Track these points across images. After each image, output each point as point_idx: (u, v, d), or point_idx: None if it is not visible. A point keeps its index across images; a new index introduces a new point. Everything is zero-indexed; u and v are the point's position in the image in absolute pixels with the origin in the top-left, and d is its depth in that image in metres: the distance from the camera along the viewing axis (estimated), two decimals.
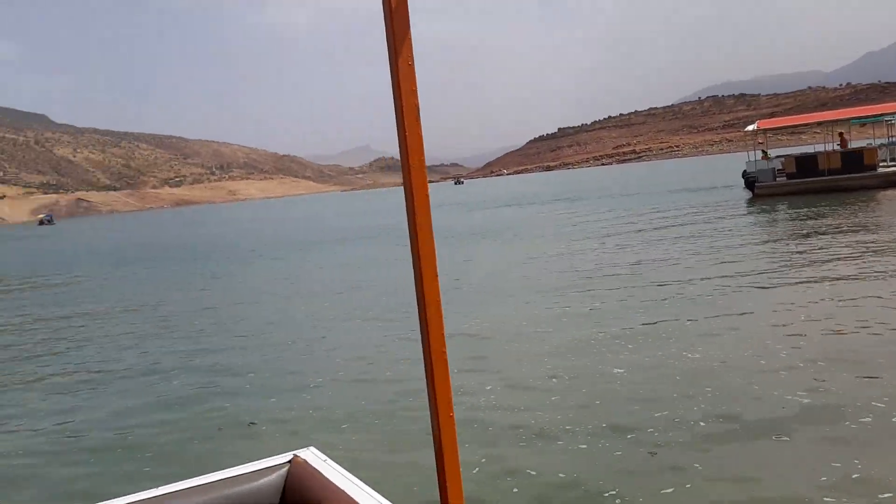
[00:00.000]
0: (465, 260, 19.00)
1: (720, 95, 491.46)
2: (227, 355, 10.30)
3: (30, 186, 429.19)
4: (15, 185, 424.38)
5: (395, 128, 1.42)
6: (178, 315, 14.46)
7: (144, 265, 28.26)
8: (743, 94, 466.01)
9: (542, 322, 10.19)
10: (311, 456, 2.13)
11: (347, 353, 9.66)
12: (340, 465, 2.05)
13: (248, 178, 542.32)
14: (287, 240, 35.67)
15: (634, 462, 5.21)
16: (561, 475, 5.12)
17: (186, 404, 7.99)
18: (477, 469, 5.36)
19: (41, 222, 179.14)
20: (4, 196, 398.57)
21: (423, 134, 1.40)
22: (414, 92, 1.40)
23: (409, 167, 1.40)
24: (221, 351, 10.65)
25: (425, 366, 1.46)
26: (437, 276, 1.43)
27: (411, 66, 1.40)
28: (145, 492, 1.96)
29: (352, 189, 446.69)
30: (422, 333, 1.44)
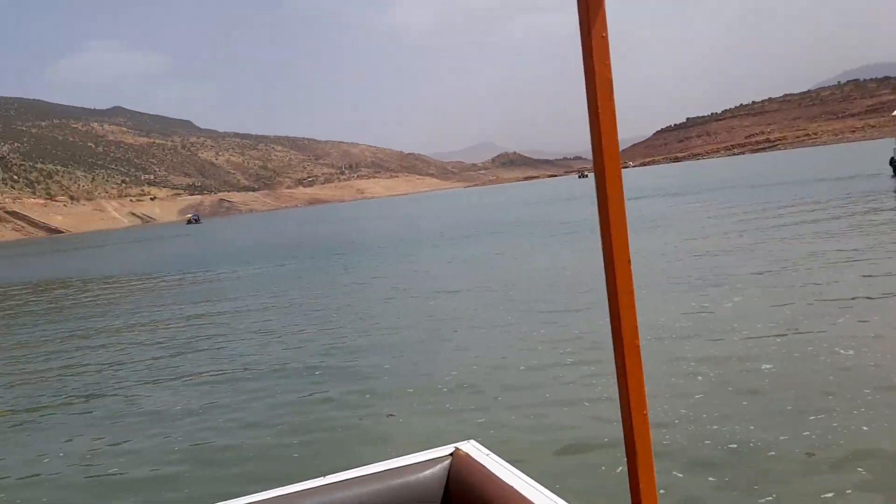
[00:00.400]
0: (594, 255, 18.74)
1: (862, 79, 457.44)
2: (365, 349, 10.69)
3: (177, 188, 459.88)
4: (164, 186, 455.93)
5: (586, 105, 1.33)
6: (316, 309, 15.12)
7: (282, 261, 29.66)
8: (888, 77, 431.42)
9: (699, 320, 9.94)
10: (473, 449, 2.14)
11: (485, 347, 9.80)
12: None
13: (374, 177, 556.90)
14: (415, 235, 36.40)
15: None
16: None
17: (327, 397, 8.34)
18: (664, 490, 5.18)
19: (189, 221, 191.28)
20: (155, 197, 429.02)
21: (615, 111, 1.33)
22: (608, 66, 1.33)
23: (602, 147, 1.33)
24: (359, 344, 11.07)
25: (616, 358, 1.38)
26: (629, 262, 1.36)
27: (605, 39, 1.32)
28: (313, 480, 2.04)
29: (474, 185, 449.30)
30: (612, 323, 1.38)
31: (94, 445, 7.53)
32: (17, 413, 9.34)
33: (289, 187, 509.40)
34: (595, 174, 1.37)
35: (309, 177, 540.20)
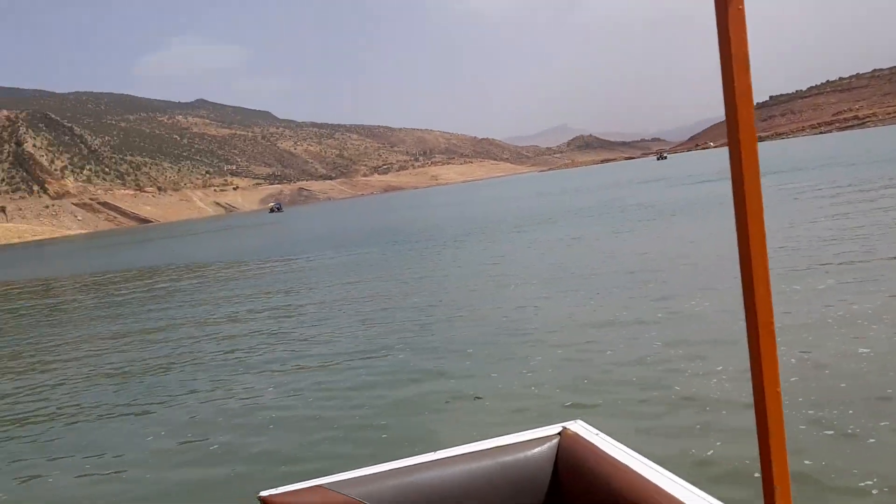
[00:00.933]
0: (682, 237, 18.39)
1: None
2: (447, 333, 10.83)
3: (258, 178, 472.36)
4: (246, 176, 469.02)
5: (721, 80, 1.31)
6: (397, 295, 15.37)
7: (362, 248, 30.19)
8: None
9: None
10: (581, 428, 2.16)
11: (569, 331, 9.79)
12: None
13: (448, 163, 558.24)
14: (491, 221, 36.42)
15: None
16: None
17: (412, 379, 8.51)
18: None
19: (271, 210, 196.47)
20: (237, 187, 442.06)
21: (751, 86, 1.30)
22: (745, 39, 1.29)
23: (738, 122, 1.30)
24: (442, 328, 11.22)
25: (749, 337, 1.35)
26: (765, 239, 1.33)
27: (741, 11, 1.29)
28: (425, 455, 2.09)
29: (549, 169, 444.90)
30: (745, 301, 1.35)
31: (195, 422, 7.92)
32: (129, 379, 9.89)
33: (364, 175, 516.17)
34: (730, 151, 1.34)
35: (384, 164, 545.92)
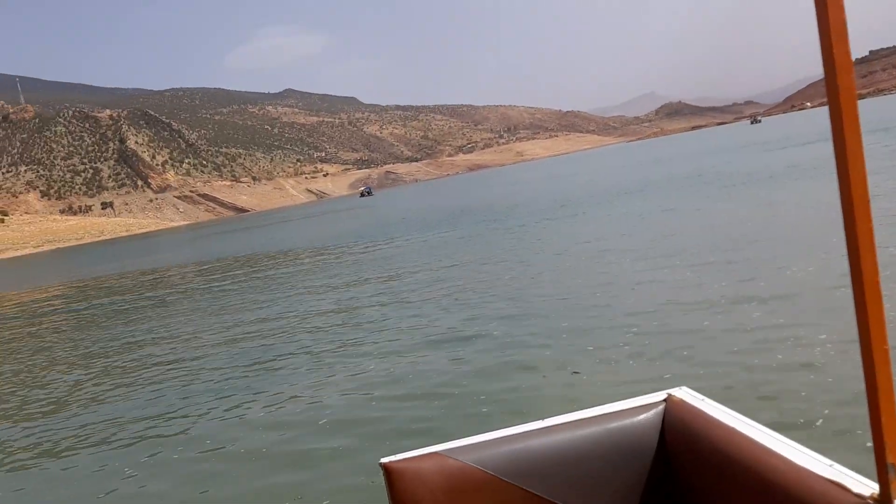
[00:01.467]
0: (782, 203, 17.83)
1: None
2: (541, 308, 10.99)
3: (346, 163, 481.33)
4: (335, 163, 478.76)
5: (820, 48, 1.31)
6: (489, 272, 15.59)
7: (452, 227, 30.54)
8: None
9: None
10: (686, 394, 2.18)
11: (664, 303, 9.77)
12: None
13: (533, 139, 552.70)
14: (579, 195, 36.07)
15: None
16: None
17: (508, 357, 8.71)
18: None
19: (362, 194, 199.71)
20: (327, 174, 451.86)
21: (850, 51, 1.30)
22: (841, 6, 1.30)
23: (838, 89, 1.31)
24: (535, 304, 11.38)
25: (855, 296, 1.36)
26: (868, 200, 1.33)
27: None
28: (532, 423, 2.16)
29: (637, 139, 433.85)
30: (850, 262, 1.36)
31: (297, 396, 8.41)
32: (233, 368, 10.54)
33: (449, 155, 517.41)
34: (831, 118, 1.34)
35: (468, 143, 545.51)
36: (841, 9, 1.30)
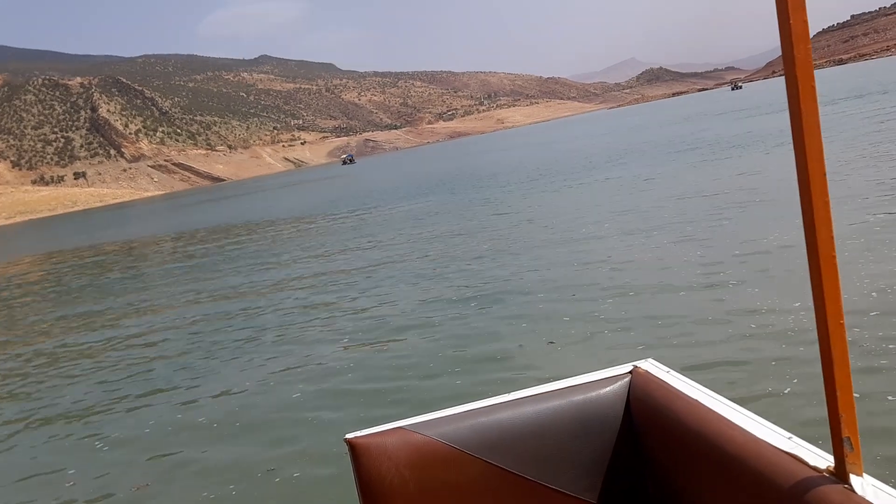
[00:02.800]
0: (759, 171, 17.85)
1: None
2: (518, 279, 10.93)
3: (324, 131, 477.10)
4: (312, 130, 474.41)
5: (776, 16, 1.32)
6: (466, 242, 15.51)
7: (430, 196, 30.39)
8: None
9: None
10: (652, 366, 2.20)
11: (639, 273, 9.76)
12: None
13: (514, 105, 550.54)
14: (558, 163, 36.01)
15: None
16: None
17: (484, 327, 8.68)
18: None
19: (344, 162, 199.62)
20: (305, 142, 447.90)
21: (807, 21, 1.30)
22: None
23: (794, 59, 1.30)
24: (512, 274, 11.32)
25: (811, 271, 1.37)
26: (825, 174, 1.33)
27: None
28: (500, 396, 2.17)
29: (618, 105, 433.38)
30: (806, 235, 1.36)
31: (279, 365, 8.31)
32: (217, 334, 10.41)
33: (429, 122, 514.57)
34: (787, 86, 1.34)
35: (448, 110, 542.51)
36: None
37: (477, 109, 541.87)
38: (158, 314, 14.02)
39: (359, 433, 2.05)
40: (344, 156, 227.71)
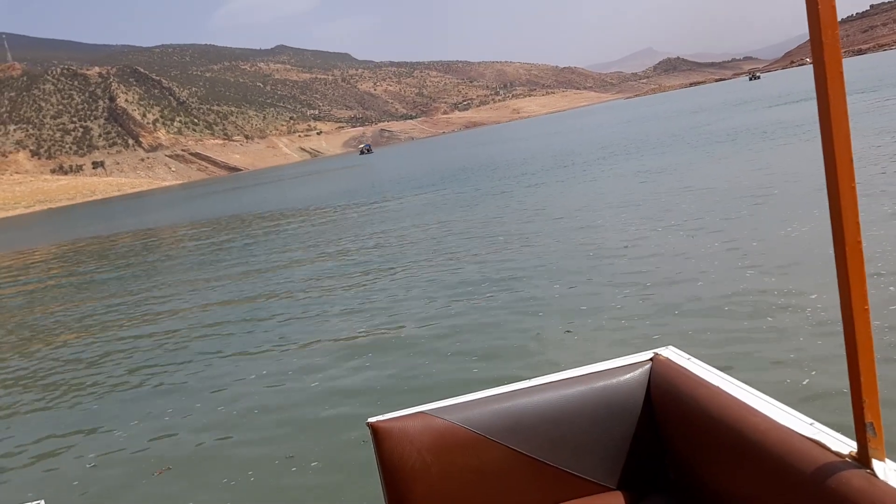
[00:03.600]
0: (779, 163, 17.69)
1: None
2: (535, 268, 10.91)
3: (340, 121, 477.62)
4: (328, 120, 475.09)
5: (804, 4, 1.31)
6: (483, 231, 15.49)
7: (448, 186, 30.36)
8: None
9: None
10: (673, 354, 2.20)
11: (657, 264, 9.70)
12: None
13: (530, 95, 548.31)
14: (575, 153, 35.86)
15: None
16: None
17: (499, 312, 8.69)
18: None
19: (362, 152, 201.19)
20: (321, 132, 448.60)
21: (836, 7, 1.30)
22: None
23: (823, 45, 1.29)
24: (529, 264, 11.30)
25: (836, 257, 1.37)
26: (852, 160, 1.32)
27: None
28: (521, 382, 2.19)
29: (635, 95, 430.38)
30: (832, 220, 1.35)
31: (296, 355, 8.37)
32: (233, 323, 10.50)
33: (445, 112, 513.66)
34: (815, 71, 1.33)
35: (464, 100, 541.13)
36: None
37: (493, 99, 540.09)
38: (181, 305, 14.13)
39: (381, 417, 2.06)
40: (362, 146, 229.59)
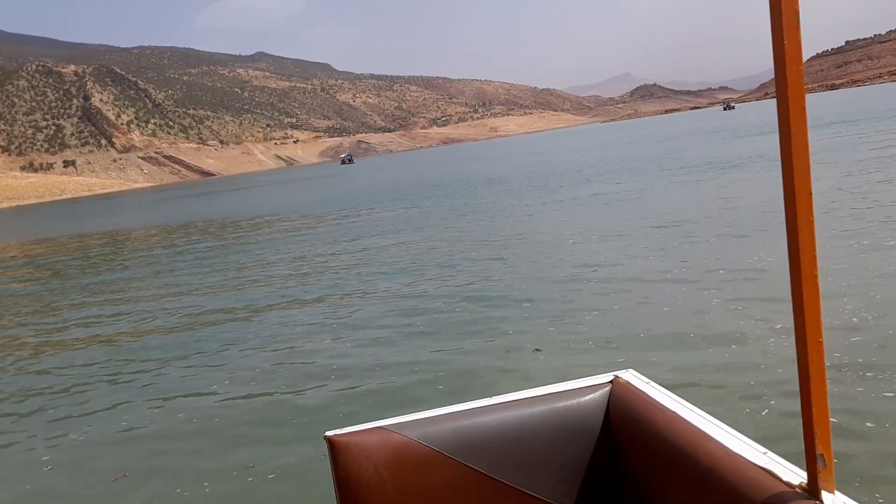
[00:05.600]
0: (746, 191, 17.96)
1: None
2: (506, 287, 10.92)
3: (318, 130, 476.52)
4: (305, 129, 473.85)
5: (770, 37, 1.33)
6: (456, 247, 15.49)
7: (425, 200, 30.37)
8: None
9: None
10: (632, 377, 2.20)
11: (626, 286, 9.77)
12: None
13: (508, 115, 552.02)
14: (551, 174, 36.10)
15: None
16: None
17: (473, 330, 8.64)
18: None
19: (343, 162, 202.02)
20: (297, 140, 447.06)
21: (801, 43, 1.31)
22: None
23: (787, 80, 1.32)
24: (500, 282, 11.31)
25: (792, 288, 1.40)
26: (811, 193, 1.35)
27: None
28: (481, 400, 2.17)
29: (611, 120, 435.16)
30: (790, 252, 1.38)
31: (256, 363, 8.26)
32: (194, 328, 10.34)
33: (423, 127, 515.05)
34: (778, 108, 1.36)
35: (443, 116, 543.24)
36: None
37: (471, 116, 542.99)
38: (139, 308, 13.92)
39: (339, 431, 2.04)
40: (343, 155, 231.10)
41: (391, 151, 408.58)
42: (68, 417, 7.58)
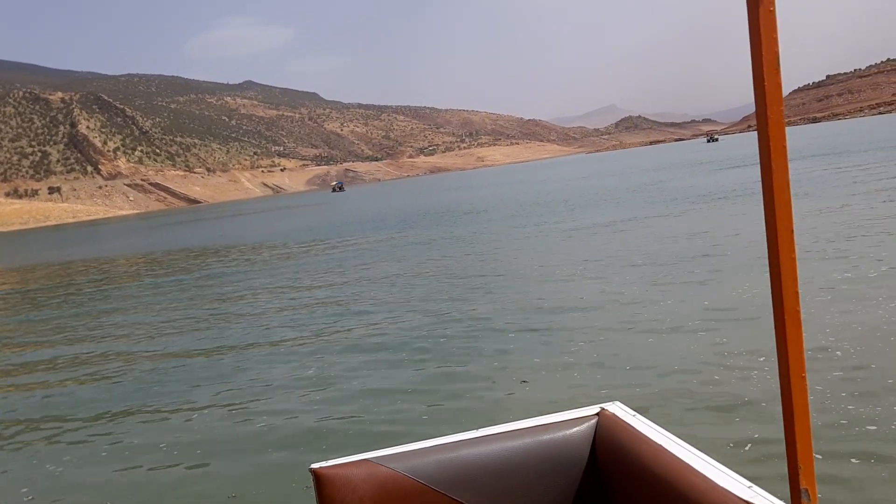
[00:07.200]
0: (731, 223, 18.13)
1: None
2: (491, 318, 10.92)
3: (305, 159, 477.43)
4: (293, 158, 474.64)
5: (752, 78, 1.37)
6: (442, 278, 15.51)
7: (412, 229, 30.43)
8: None
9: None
10: (619, 409, 2.20)
11: (612, 317, 9.82)
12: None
13: (494, 145, 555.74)
14: (539, 203, 36.31)
15: None
16: None
17: (457, 364, 8.62)
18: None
19: (334, 189, 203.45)
20: (285, 168, 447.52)
21: (781, 84, 1.35)
22: (775, 40, 1.35)
23: (767, 119, 1.35)
24: (485, 312, 11.31)
25: (776, 324, 1.42)
26: (792, 230, 1.37)
27: (773, 13, 1.35)
28: (467, 432, 2.16)
29: (596, 150, 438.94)
30: (773, 289, 1.40)
31: (243, 394, 8.19)
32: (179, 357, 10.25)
33: (410, 156, 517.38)
34: (759, 144, 1.38)
35: (430, 145, 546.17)
36: (775, 42, 1.35)
37: (458, 146, 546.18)
38: (124, 336, 13.80)
39: (324, 463, 2.02)
40: (334, 183, 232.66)
41: (378, 180, 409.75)
42: (51, 444, 7.47)
